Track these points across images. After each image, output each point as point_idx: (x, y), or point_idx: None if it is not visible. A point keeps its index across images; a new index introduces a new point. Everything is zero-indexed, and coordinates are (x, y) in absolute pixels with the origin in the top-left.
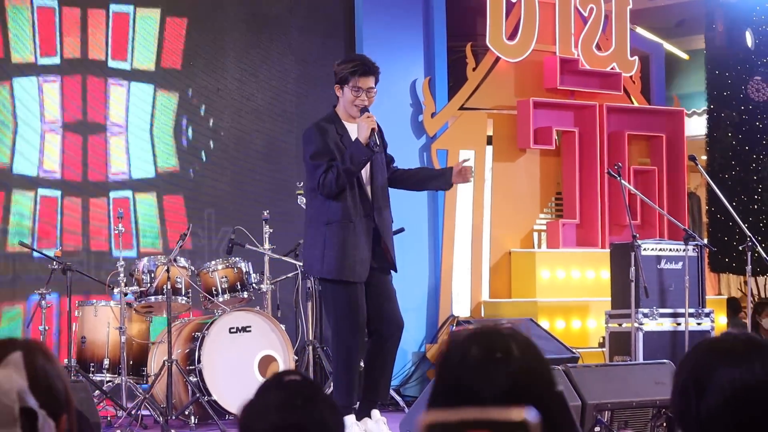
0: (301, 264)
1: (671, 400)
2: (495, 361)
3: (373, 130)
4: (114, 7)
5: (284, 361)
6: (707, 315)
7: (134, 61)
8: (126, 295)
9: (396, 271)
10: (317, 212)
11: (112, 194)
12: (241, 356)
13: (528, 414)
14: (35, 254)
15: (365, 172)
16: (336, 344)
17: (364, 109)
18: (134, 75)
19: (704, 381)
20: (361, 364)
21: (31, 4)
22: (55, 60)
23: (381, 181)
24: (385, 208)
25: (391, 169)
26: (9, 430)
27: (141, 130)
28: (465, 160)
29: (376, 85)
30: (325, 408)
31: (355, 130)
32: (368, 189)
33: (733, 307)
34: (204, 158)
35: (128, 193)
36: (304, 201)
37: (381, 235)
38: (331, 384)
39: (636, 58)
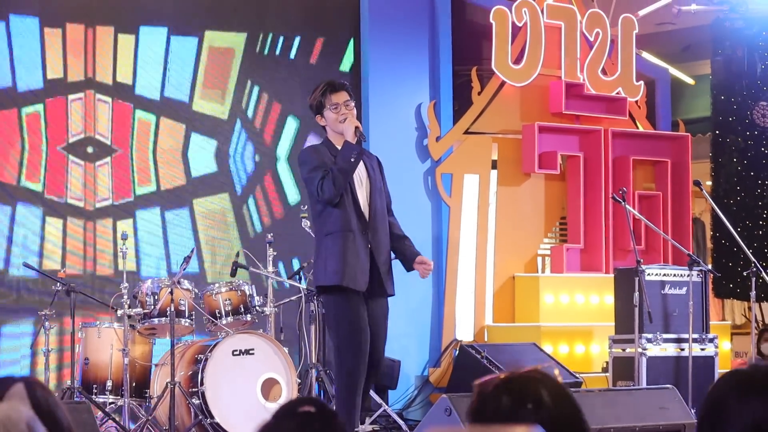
0: (305, 287)
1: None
2: (526, 411)
3: (357, 128)
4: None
5: (287, 384)
6: (711, 340)
7: (138, 85)
8: (129, 316)
9: (392, 294)
10: (319, 227)
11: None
12: (244, 379)
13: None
14: (39, 275)
15: (362, 192)
16: (338, 367)
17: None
18: (138, 99)
19: (724, 413)
20: None
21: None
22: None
23: (380, 205)
24: (383, 232)
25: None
26: None
27: (143, 153)
28: (430, 264)
29: (351, 99)
30: None
31: None
32: (365, 209)
33: None
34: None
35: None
36: (308, 224)
37: (375, 257)
38: (334, 407)
39: (641, 82)
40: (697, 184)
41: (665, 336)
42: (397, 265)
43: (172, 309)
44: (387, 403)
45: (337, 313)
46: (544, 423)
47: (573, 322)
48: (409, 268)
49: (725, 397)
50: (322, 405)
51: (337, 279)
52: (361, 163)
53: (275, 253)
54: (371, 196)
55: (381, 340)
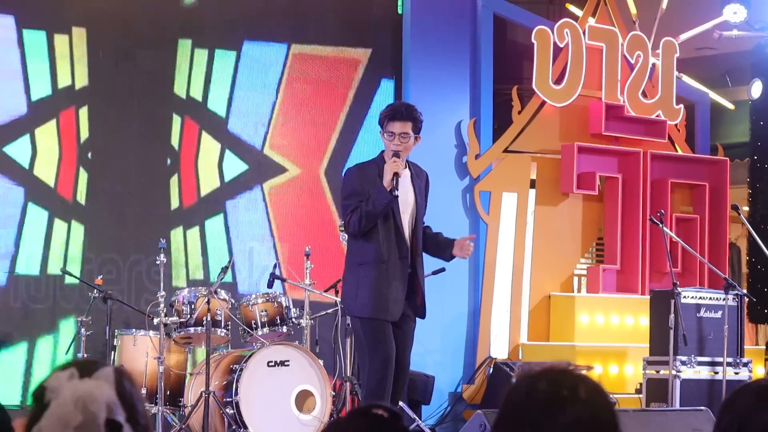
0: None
1: None
2: (561, 398)
3: (396, 174)
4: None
5: (321, 396)
6: (745, 365)
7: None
8: (165, 325)
9: (424, 317)
10: (352, 253)
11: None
12: (279, 390)
13: None
14: (76, 281)
15: (406, 217)
16: (367, 377)
17: (396, 155)
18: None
19: (744, 422)
20: None
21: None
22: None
23: (421, 228)
24: (421, 256)
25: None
26: None
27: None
28: (472, 237)
29: (416, 132)
30: None
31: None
32: (406, 233)
33: None
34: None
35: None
36: (346, 237)
37: (417, 280)
38: None
39: (681, 106)
40: (735, 208)
41: (699, 359)
42: (431, 285)
43: (209, 319)
44: (420, 418)
45: (367, 336)
46: (576, 414)
47: (607, 343)
48: (448, 256)
49: (746, 407)
50: (396, 414)
51: (368, 312)
52: (410, 185)
53: (313, 266)
54: (417, 219)
55: (406, 355)
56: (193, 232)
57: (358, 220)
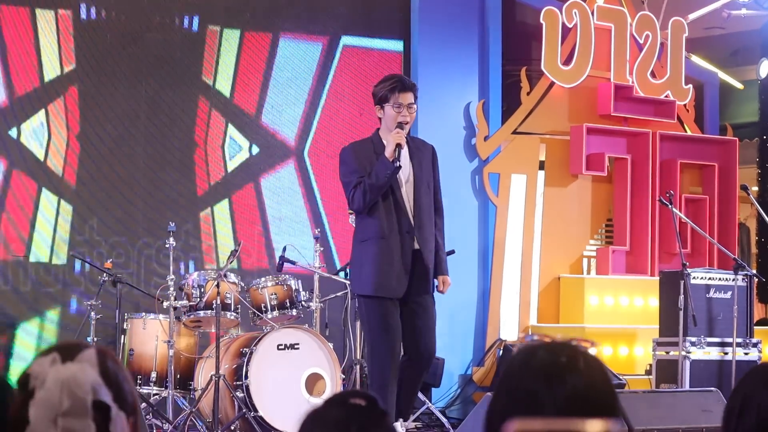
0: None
1: (722, 421)
2: (558, 366)
3: (398, 145)
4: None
5: (331, 379)
6: (755, 345)
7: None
8: (175, 309)
9: (431, 293)
10: (356, 231)
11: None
12: (289, 373)
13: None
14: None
15: (406, 191)
16: (371, 363)
17: (400, 126)
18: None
19: (746, 403)
20: None
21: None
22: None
23: (425, 201)
24: (428, 229)
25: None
26: (81, 422)
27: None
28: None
29: (415, 101)
30: None
31: None
32: (408, 208)
33: None
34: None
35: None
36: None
37: (423, 254)
38: None
39: (690, 86)
40: (744, 188)
41: (709, 340)
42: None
43: (218, 302)
44: (430, 401)
45: (369, 314)
46: (573, 384)
47: (617, 324)
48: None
49: (750, 388)
50: (374, 401)
51: (371, 289)
52: (407, 159)
53: (322, 249)
54: (416, 193)
55: (429, 333)
56: (221, 214)
57: (362, 194)
